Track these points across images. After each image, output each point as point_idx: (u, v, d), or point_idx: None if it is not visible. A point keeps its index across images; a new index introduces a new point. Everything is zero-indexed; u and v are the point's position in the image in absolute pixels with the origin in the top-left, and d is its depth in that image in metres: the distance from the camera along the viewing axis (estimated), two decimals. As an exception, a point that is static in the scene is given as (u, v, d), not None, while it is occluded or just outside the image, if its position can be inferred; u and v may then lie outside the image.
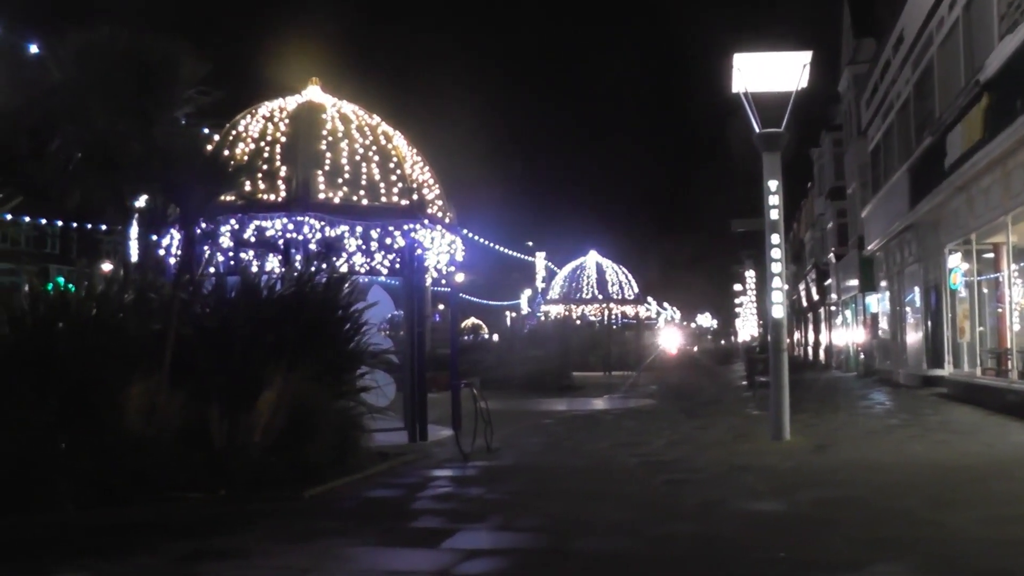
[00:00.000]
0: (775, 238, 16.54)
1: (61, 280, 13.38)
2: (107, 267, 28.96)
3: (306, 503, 11.06)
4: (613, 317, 48.40)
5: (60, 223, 46.08)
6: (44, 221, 46.39)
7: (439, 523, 9.82)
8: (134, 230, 15.89)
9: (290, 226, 15.95)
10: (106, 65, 11.45)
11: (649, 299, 52.66)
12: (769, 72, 16.16)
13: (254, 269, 15.53)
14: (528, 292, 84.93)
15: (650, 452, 15.08)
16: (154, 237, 16.44)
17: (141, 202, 13.70)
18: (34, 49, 13.90)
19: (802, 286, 67.10)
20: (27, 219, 43.37)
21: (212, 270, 15.38)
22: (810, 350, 65.09)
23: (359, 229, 16.53)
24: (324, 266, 15.22)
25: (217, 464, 11.27)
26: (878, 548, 8.19)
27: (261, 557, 8.45)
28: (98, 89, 11.38)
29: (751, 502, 10.66)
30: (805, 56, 16.15)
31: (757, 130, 16.43)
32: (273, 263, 16.44)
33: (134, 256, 19.94)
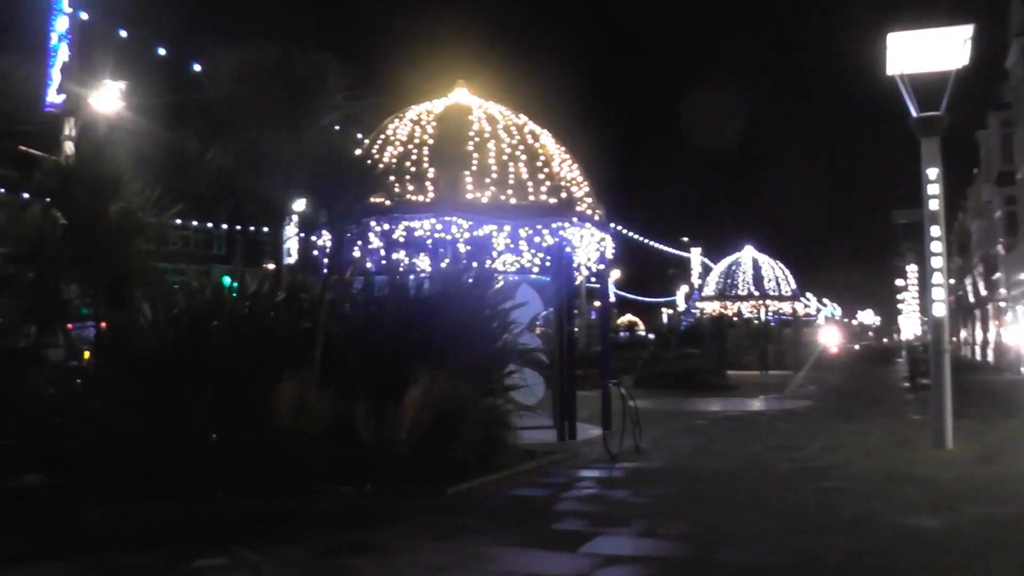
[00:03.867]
0: (935, 230, 15.78)
1: (226, 280, 13.91)
2: (270, 267, 29.96)
3: (449, 500, 11.18)
4: (770, 314, 47.25)
5: (225, 226, 48.19)
6: (210, 225, 48.62)
7: (581, 526, 9.76)
8: (292, 231, 16.41)
9: (438, 226, 16.17)
10: (257, 80, 11.90)
11: (807, 295, 51.21)
12: (926, 50, 15.38)
13: (403, 269, 15.83)
14: (684, 288, 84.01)
15: (804, 457, 14.68)
16: (312, 238, 16.92)
17: (300, 205, 14.12)
18: (196, 68, 14.52)
19: (968, 280, 64.06)
20: (195, 223, 45.55)
21: (362, 270, 15.74)
22: (978, 350, 61.72)
23: (507, 228, 16.62)
24: (473, 265, 15.38)
25: (364, 459, 11.50)
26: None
27: (401, 553, 8.60)
28: (250, 102, 11.84)
29: (909, 516, 10.12)
30: (966, 30, 15.34)
31: (914, 114, 15.73)
32: (422, 263, 16.73)
33: (292, 257, 20.60)
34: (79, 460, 9.91)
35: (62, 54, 26.63)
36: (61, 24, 26.86)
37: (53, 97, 26.20)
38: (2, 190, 15.88)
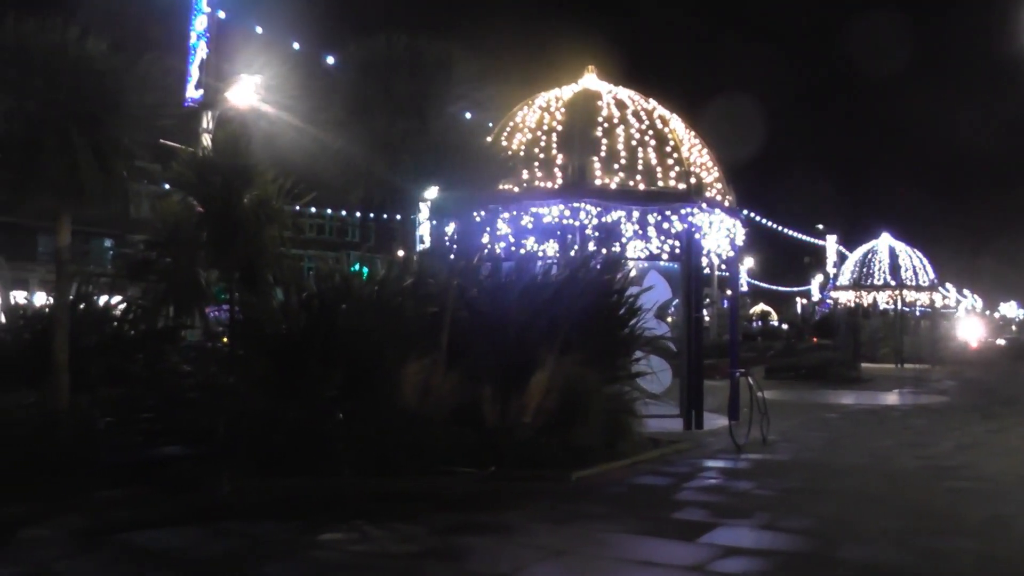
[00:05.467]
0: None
1: (356, 266, 14.21)
2: (400, 253, 30.60)
3: (572, 485, 11.19)
4: (907, 305, 45.72)
5: (358, 214, 49.32)
6: (344, 213, 49.81)
7: (702, 516, 9.63)
8: (422, 218, 16.68)
9: (567, 212, 16.17)
10: (386, 70, 12.09)
11: (946, 286, 49.29)
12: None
13: (532, 254, 15.87)
14: (819, 278, 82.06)
15: (935, 455, 14.18)
16: (441, 225, 17.15)
17: (430, 193, 14.30)
18: (328, 60, 14.86)
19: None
20: (329, 211, 46.79)
21: (490, 256, 15.85)
22: None
23: (636, 214, 16.53)
24: (602, 251, 15.32)
25: (488, 442, 11.59)
26: None
27: (521, 535, 8.65)
28: (379, 92, 12.04)
29: (1043, 522, 9.65)
30: None
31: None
32: (550, 249, 16.75)
33: (423, 244, 20.93)
34: (213, 434, 10.30)
35: (200, 51, 27.64)
36: (200, 23, 27.86)
37: (192, 93, 27.21)
38: (145, 182, 16.53)
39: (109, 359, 11.94)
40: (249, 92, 27.24)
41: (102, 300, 13.20)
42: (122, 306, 13.37)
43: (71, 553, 8.10)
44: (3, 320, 12.56)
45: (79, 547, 8.29)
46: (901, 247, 45.06)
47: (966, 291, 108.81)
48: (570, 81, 18.18)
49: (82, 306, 12.66)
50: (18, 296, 12.94)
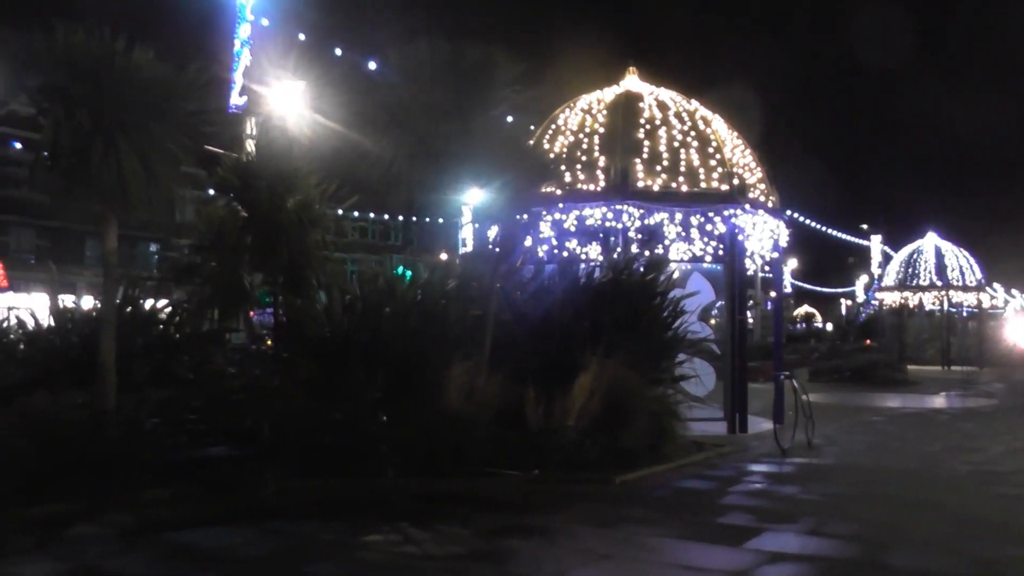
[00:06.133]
0: None
1: (400, 269, 14.26)
2: (443, 256, 30.74)
3: (616, 488, 11.16)
4: (953, 306, 45.05)
5: (400, 218, 49.60)
6: (386, 216, 50.08)
7: (746, 521, 9.53)
8: (464, 221, 16.70)
9: (609, 215, 16.14)
10: (428, 74, 12.13)
11: (995, 286, 48.34)
12: None
13: (575, 257, 15.87)
14: (864, 278, 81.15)
15: (985, 460, 13.95)
16: (484, 228, 17.16)
17: (473, 196, 14.32)
18: (371, 65, 14.93)
19: None
20: (371, 215, 47.08)
21: (533, 259, 15.85)
22: None
23: (678, 216, 16.48)
24: (645, 253, 15.27)
25: (532, 445, 11.58)
26: None
27: (564, 538, 8.63)
28: (421, 96, 12.09)
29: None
30: None
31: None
32: (593, 251, 16.72)
33: (466, 247, 20.98)
34: (257, 435, 10.38)
35: (244, 58, 27.94)
36: (244, 31, 28.15)
37: (236, 99, 27.50)
38: (190, 187, 16.72)
39: (155, 361, 12.08)
40: (292, 98, 27.46)
41: (148, 303, 13.35)
42: (168, 309, 13.51)
43: (119, 551, 8.20)
44: (52, 323, 12.73)
45: (126, 545, 8.39)
46: (947, 246, 44.42)
47: (1015, 291, 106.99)
48: (613, 82, 18.14)
49: (129, 309, 12.80)
50: (66, 299, 13.08)
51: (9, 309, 14.99)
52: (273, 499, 10.04)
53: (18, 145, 34.40)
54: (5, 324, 12.99)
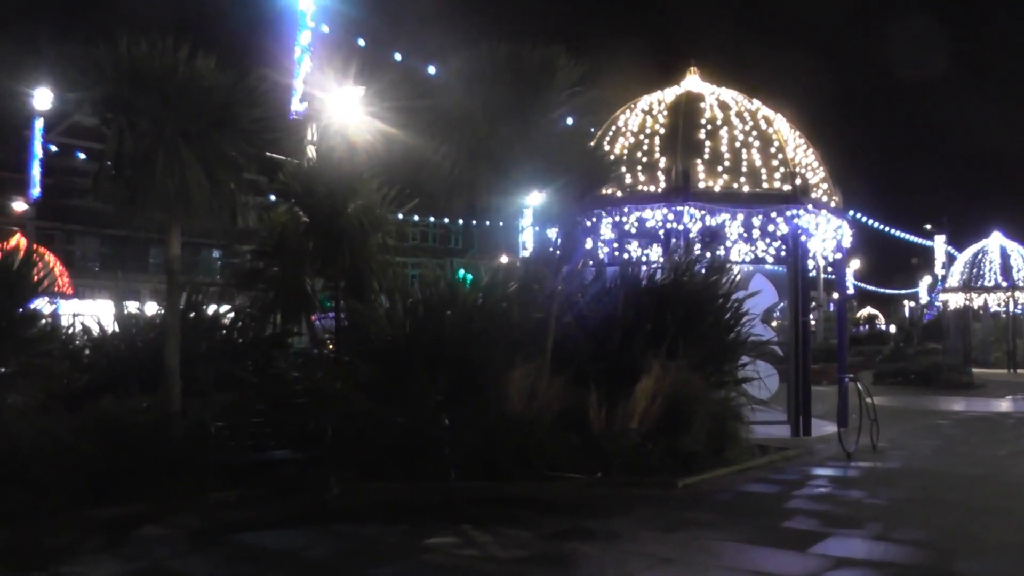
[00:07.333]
0: None
1: (460, 272, 14.30)
2: (504, 259, 30.75)
3: (679, 492, 11.07)
4: (1020, 307, 43.99)
5: (461, 221, 49.77)
6: (447, 220, 50.30)
7: (812, 525, 9.41)
8: (525, 224, 16.70)
9: (670, 216, 16.01)
10: (488, 77, 12.14)
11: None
12: None
13: (636, 259, 15.79)
14: (928, 279, 79.72)
15: (1054, 465, 13.62)
16: (544, 231, 17.14)
17: (533, 199, 14.30)
18: (431, 70, 14.98)
19: None
20: (432, 219, 47.27)
21: (594, 261, 15.81)
22: None
23: (740, 216, 16.30)
24: (706, 255, 15.13)
25: (594, 448, 11.53)
26: None
27: (628, 542, 8.57)
28: (481, 99, 12.10)
29: None
30: None
31: None
32: (654, 253, 16.61)
33: (527, 250, 20.97)
34: (320, 438, 10.44)
35: (305, 65, 28.19)
36: (304, 38, 28.41)
37: (296, 106, 27.74)
38: (252, 194, 16.90)
39: (219, 365, 12.21)
40: (352, 104, 27.66)
41: (211, 309, 13.52)
42: (231, 314, 13.66)
43: (186, 552, 8.32)
44: (117, 329, 12.93)
45: (193, 546, 8.51)
46: (1013, 246, 43.38)
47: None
48: (674, 83, 18.02)
49: (192, 315, 12.96)
50: (131, 306, 13.29)
51: (75, 316, 15.28)
52: (336, 501, 10.11)
53: (82, 155, 35.04)
54: (71, 331, 13.22)
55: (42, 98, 32.22)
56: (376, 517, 9.54)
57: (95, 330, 13.11)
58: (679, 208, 15.95)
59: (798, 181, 16.48)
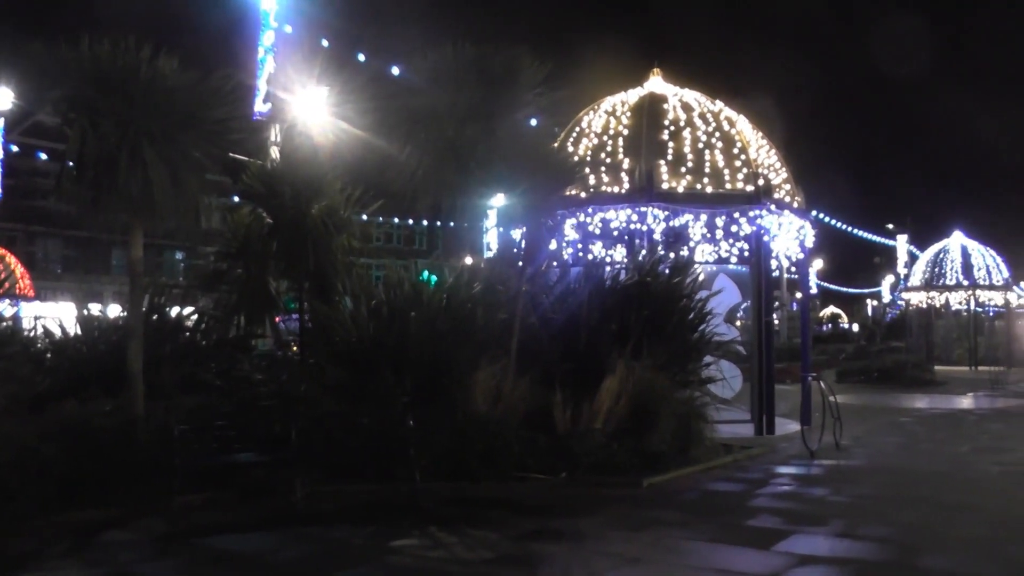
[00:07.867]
0: None
1: (425, 274, 14.29)
2: (468, 260, 30.74)
3: (645, 491, 11.12)
4: (980, 305, 44.58)
5: (425, 222, 49.67)
6: (411, 221, 50.23)
7: (776, 523, 9.48)
8: (489, 225, 16.70)
9: (634, 217, 16.08)
10: (453, 78, 12.17)
11: (1022, 284, 47.56)
12: None
13: (600, 260, 15.84)
14: (890, 279, 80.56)
15: (1016, 460, 13.79)
16: (509, 232, 17.16)
17: (498, 200, 14.32)
18: (395, 71, 14.95)
19: None
20: (396, 220, 47.23)
21: (558, 262, 15.84)
22: None
23: (703, 217, 16.39)
24: (670, 255, 15.22)
25: (560, 448, 11.58)
26: None
27: (595, 542, 8.61)
28: (446, 100, 12.12)
29: None
30: None
31: None
32: (618, 254, 16.68)
33: (491, 251, 20.96)
34: (286, 440, 10.40)
35: (268, 65, 28.12)
36: (268, 38, 28.34)
37: (260, 106, 27.66)
38: (215, 195, 16.80)
39: (183, 368, 12.14)
40: (316, 104, 27.59)
41: (175, 311, 13.43)
42: (195, 316, 13.59)
43: (152, 556, 8.27)
44: (79, 332, 12.82)
45: (159, 550, 8.46)
46: (974, 246, 43.99)
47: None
48: (635, 84, 18.10)
49: (155, 317, 12.89)
50: (93, 308, 13.17)
51: (36, 319, 15.13)
52: (303, 504, 10.07)
53: (44, 156, 34.71)
54: (32, 333, 13.09)
55: (3, 97, 31.86)
56: (343, 519, 9.53)
57: (57, 333, 13.01)
58: (643, 209, 16.02)
59: (761, 182, 16.60)
